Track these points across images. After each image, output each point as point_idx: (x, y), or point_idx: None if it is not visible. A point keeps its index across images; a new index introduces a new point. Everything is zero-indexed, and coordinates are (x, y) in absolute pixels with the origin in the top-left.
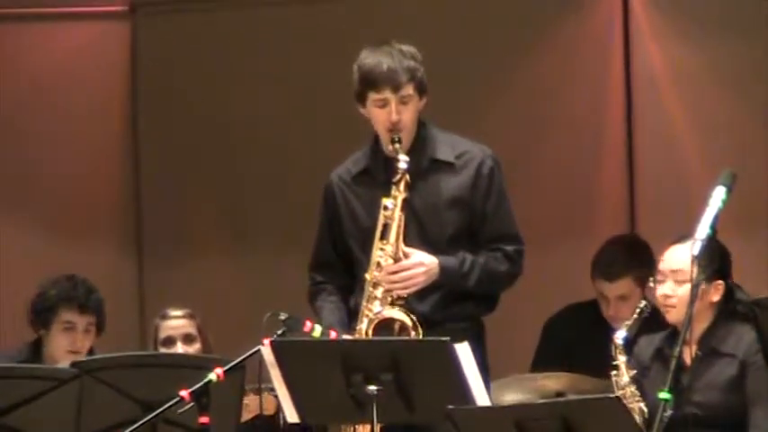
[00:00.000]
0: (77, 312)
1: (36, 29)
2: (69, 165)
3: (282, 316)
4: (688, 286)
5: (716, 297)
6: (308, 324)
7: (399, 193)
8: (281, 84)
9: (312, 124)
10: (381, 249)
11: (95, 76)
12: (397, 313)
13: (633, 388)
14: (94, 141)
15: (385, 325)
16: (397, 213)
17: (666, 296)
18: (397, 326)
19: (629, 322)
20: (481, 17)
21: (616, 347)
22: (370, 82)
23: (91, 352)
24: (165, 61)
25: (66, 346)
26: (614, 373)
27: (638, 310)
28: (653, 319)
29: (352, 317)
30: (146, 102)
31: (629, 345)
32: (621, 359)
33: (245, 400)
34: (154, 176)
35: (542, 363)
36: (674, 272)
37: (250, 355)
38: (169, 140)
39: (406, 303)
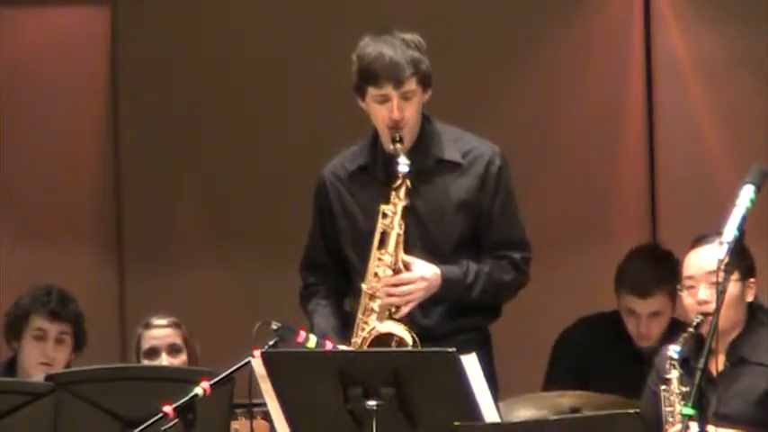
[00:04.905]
0: (48, 319)
1: (7, 16)
2: (45, 163)
3: (274, 325)
4: (730, 286)
5: (750, 297)
6: (303, 334)
7: (399, 201)
8: (271, 74)
9: (307, 121)
10: (379, 259)
11: (74, 67)
12: (394, 327)
13: (683, 408)
14: (72, 140)
15: (382, 341)
16: (397, 222)
17: (705, 302)
18: (394, 342)
19: (685, 335)
20: (493, 1)
21: (670, 362)
22: (370, 76)
23: (68, 366)
24: (146, 50)
25: (38, 356)
26: (663, 387)
27: (694, 324)
28: (678, 332)
29: (346, 321)
30: (127, 96)
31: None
32: (674, 374)
33: (235, 425)
34: (135, 177)
35: (554, 381)
36: (709, 273)
37: (239, 368)
38: (151, 139)
39: (408, 316)
